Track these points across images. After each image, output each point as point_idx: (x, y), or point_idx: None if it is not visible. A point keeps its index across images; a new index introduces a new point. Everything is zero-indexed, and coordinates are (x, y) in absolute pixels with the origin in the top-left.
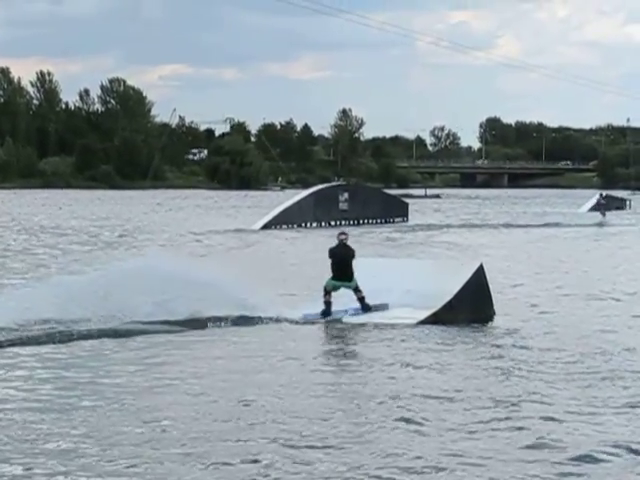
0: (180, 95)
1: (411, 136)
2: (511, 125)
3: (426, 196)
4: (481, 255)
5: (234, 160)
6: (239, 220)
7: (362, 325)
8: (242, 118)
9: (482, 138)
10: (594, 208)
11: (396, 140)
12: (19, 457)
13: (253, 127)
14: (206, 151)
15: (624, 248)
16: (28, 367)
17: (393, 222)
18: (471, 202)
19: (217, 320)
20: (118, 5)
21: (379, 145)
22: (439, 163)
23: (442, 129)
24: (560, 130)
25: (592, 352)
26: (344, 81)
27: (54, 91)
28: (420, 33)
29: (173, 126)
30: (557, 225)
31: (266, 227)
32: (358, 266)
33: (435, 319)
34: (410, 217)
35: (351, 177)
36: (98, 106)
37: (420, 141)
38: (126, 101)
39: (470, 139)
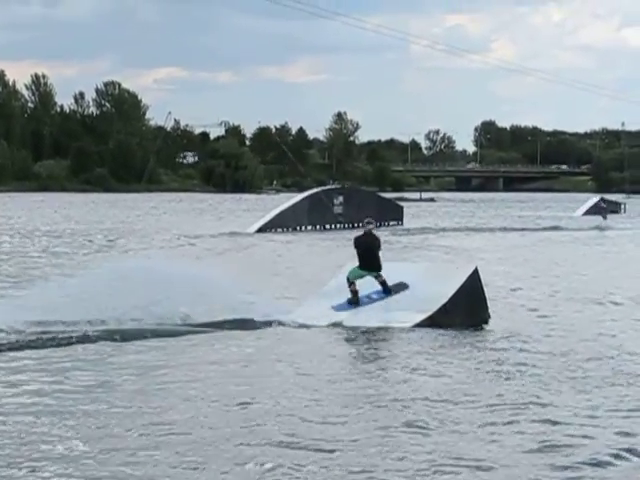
0: (175, 98)
1: (406, 140)
2: (506, 129)
3: (421, 199)
4: (477, 259)
5: (229, 163)
6: (234, 223)
7: (358, 328)
8: (237, 121)
9: (477, 142)
10: (589, 212)
11: (391, 143)
12: (20, 460)
13: (248, 130)
14: (196, 154)
15: (622, 252)
16: (25, 371)
17: (388, 225)
18: (466, 205)
19: (214, 323)
20: (113, 8)
21: (374, 148)
22: (434, 167)
23: (437, 132)
24: (555, 134)
25: (592, 355)
26: (339, 84)
27: (49, 94)
28: (416, 36)
29: (168, 129)
30: (556, 229)
31: (261, 230)
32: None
33: (430, 322)
34: (405, 220)
35: (346, 180)
36: (93, 109)
37: (415, 145)
38: (121, 104)
39: (465, 143)
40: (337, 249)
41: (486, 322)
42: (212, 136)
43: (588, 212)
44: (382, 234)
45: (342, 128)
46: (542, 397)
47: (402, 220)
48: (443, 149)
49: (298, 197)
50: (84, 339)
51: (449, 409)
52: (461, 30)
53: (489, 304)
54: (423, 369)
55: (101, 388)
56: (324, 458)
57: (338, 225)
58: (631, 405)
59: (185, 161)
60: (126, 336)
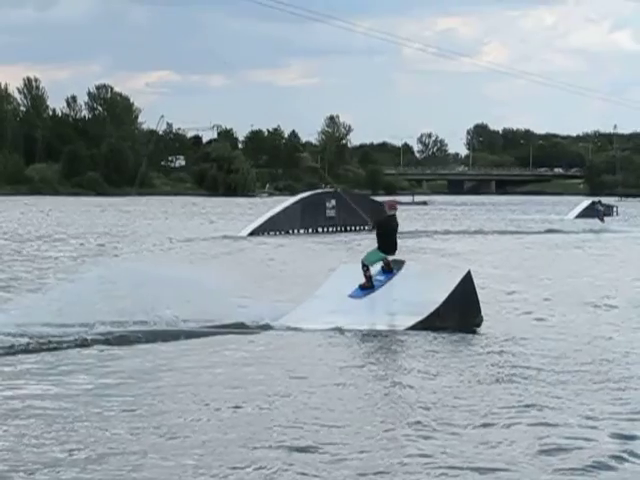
0: (167, 102)
1: (398, 143)
2: (498, 132)
3: (413, 203)
4: (471, 262)
5: (221, 167)
6: (226, 227)
7: (351, 331)
8: (229, 125)
9: (469, 145)
10: (582, 215)
11: (383, 147)
12: (16, 465)
13: (240, 134)
14: (184, 158)
15: (619, 254)
16: (19, 376)
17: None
18: (458, 209)
19: (207, 327)
20: (105, 12)
21: (366, 152)
22: (426, 170)
23: (429, 136)
24: (547, 137)
25: (587, 358)
26: (331, 88)
27: (41, 98)
28: (407, 39)
29: (160, 133)
30: (551, 232)
31: (253, 234)
32: (345, 273)
33: (423, 326)
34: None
35: (338, 184)
36: (85, 113)
37: (407, 148)
38: (113, 108)
39: (457, 146)
40: (330, 252)
41: (479, 325)
42: (204, 139)
43: (580, 215)
44: (374, 237)
45: (334, 131)
46: (539, 400)
47: None
48: (435, 152)
49: (290, 200)
50: (77, 343)
51: (447, 412)
52: (453, 33)
53: (484, 307)
54: (419, 372)
55: (95, 393)
56: (326, 461)
57: (331, 228)
58: (629, 408)
59: (173, 165)
60: (119, 341)
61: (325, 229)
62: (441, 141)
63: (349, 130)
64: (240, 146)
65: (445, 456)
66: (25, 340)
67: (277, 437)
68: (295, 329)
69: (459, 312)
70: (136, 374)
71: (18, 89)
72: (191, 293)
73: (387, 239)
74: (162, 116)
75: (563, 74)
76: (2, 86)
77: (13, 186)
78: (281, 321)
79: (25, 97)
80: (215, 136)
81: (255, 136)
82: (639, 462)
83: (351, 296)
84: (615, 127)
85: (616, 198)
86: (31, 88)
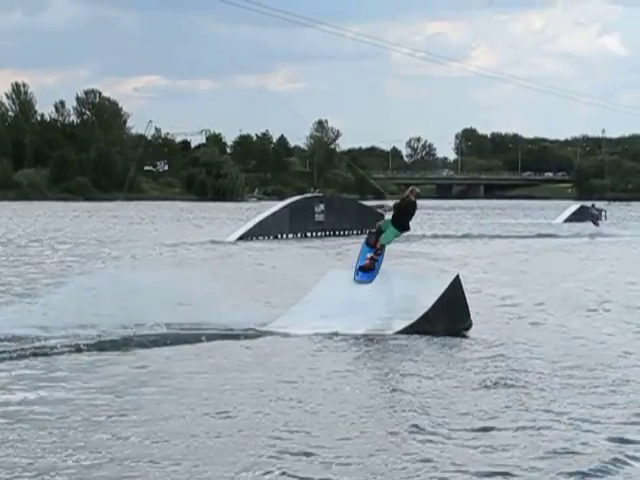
0: (156, 106)
1: (387, 147)
2: (487, 136)
3: None
4: (460, 266)
5: (210, 171)
6: (215, 232)
7: (340, 335)
8: (218, 129)
9: (458, 149)
10: (570, 219)
11: (372, 151)
12: (12, 471)
13: (229, 139)
14: (167, 162)
15: (608, 258)
16: (3, 383)
17: (369, 233)
18: (447, 213)
19: (196, 333)
20: (93, 17)
21: (355, 156)
22: (415, 174)
23: (418, 140)
24: (536, 141)
25: (581, 362)
26: (320, 92)
27: (29, 103)
28: (396, 44)
29: (149, 137)
30: (542, 236)
31: (242, 238)
32: (336, 278)
33: (412, 330)
34: None
35: (327, 188)
36: (74, 118)
37: (396, 152)
38: (102, 113)
39: (446, 150)
40: (319, 257)
41: (468, 330)
42: (193, 144)
43: (569, 219)
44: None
45: (323, 136)
46: (535, 404)
47: None
48: (424, 157)
49: (279, 205)
50: (66, 350)
51: (444, 416)
52: (442, 38)
53: (476, 312)
54: (412, 376)
55: (86, 399)
56: (321, 467)
57: (319, 233)
58: (625, 412)
59: (156, 169)
60: (108, 346)
61: (314, 234)
62: (430, 145)
63: (338, 134)
64: (229, 151)
65: (443, 460)
66: (14, 346)
67: (270, 442)
68: (284, 334)
69: (448, 316)
70: (126, 380)
71: (6, 94)
72: (180, 299)
73: (404, 221)
74: (150, 121)
75: (551, 78)
76: None
77: (1, 192)
78: (270, 326)
79: (13, 102)
80: (204, 141)
81: (244, 141)
82: (636, 465)
83: (358, 281)
84: (603, 131)
85: (605, 202)
86: (19, 93)
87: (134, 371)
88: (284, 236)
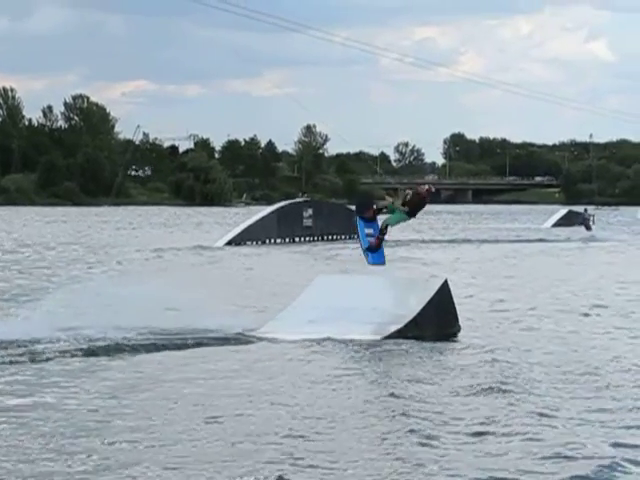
0: (144, 111)
1: (375, 152)
2: (475, 141)
3: None
4: (449, 271)
5: (198, 177)
6: (203, 237)
7: (329, 340)
8: (206, 134)
9: (446, 154)
10: (558, 224)
11: (360, 156)
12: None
13: (217, 144)
14: (150, 168)
15: (600, 263)
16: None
17: (358, 238)
18: (435, 217)
19: (185, 339)
20: (81, 22)
21: (343, 161)
22: (403, 179)
23: (406, 145)
24: (524, 146)
25: (574, 367)
26: (308, 97)
27: (17, 108)
28: (384, 49)
29: (137, 142)
30: (530, 241)
31: (230, 244)
32: (324, 283)
33: (400, 335)
34: None
35: (315, 193)
36: (61, 123)
37: (384, 157)
38: (89, 118)
39: (434, 155)
40: (307, 262)
41: (456, 334)
42: (181, 149)
43: (557, 224)
44: (352, 247)
45: (311, 141)
46: (531, 408)
47: None
48: (412, 161)
49: (267, 210)
50: (55, 356)
51: (440, 421)
52: (430, 43)
53: (466, 316)
54: (404, 381)
55: (75, 406)
56: (318, 472)
57: (307, 238)
58: (621, 415)
59: (141, 174)
60: (97, 352)
61: (302, 239)
62: (418, 150)
63: (326, 139)
64: (217, 156)
65: (441, 465)
66: (2, 352)
67: (263, 447)
68: (273, 340)
69: (437, 321)
70: (117, 386)
71: None
72: (168, 304)
73: (415, 212)
74: (138, 126)
75: (539, 83)
76: None
77: None
78: (259, 332)
79: (1, 107)
80: (192, 146)
81: (232, 146)
82: (634, 469)
83: (372, 263)
84: (591, 136)
85: (593, 207)
86: (7, 98)
87: (124, 377)
88: (272, 241)
